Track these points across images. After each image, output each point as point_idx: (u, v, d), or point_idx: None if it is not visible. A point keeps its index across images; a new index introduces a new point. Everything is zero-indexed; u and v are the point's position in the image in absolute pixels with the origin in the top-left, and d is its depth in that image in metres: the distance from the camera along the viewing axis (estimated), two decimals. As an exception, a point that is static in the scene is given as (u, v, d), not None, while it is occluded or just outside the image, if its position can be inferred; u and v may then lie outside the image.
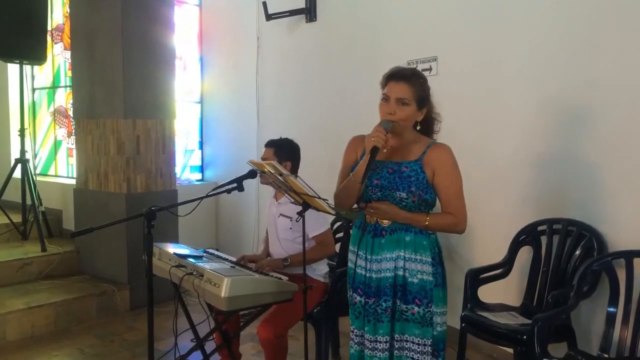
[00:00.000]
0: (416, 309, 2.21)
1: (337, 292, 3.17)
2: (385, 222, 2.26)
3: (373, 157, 2.16)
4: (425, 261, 2.23)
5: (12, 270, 4.57)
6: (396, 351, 2.25)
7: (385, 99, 2.24)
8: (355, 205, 2.35)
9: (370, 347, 2.28)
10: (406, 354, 2.23)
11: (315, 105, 4.81)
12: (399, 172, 2.24)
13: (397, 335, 2.24)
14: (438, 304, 2.23)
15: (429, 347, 2.21)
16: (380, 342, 2.25)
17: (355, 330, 2.35)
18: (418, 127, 2.31)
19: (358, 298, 2.33)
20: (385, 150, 2.23)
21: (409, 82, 2.22)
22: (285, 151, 3.14)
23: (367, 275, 2.29)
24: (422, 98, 2.25)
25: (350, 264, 2.37)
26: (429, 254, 2.23)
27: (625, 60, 3.02)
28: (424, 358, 2.21)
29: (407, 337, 2.23)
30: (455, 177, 2.26)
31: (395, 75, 2.24)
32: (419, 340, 2.22)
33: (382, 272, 2.25)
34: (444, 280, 2.29)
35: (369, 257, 2.28)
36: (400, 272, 2.22)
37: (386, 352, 2.25)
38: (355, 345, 2.35)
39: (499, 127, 3.61)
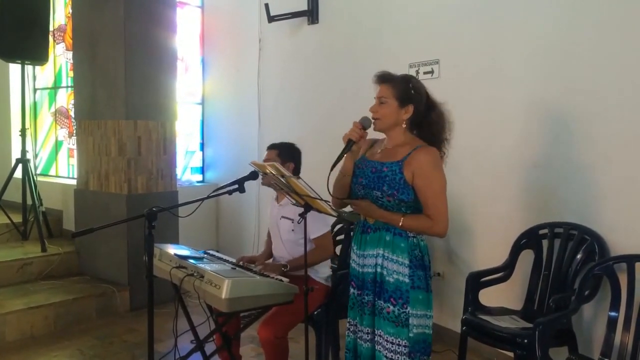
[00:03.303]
0: (391, 307, 2.27)
1: (338, 295, 3.16)
2: (371, 220, 2.35)
3: (346, 148, 2.32)
4: (401, 262, 2.27)
5: (12, 271, 4.57)
6: (375, 345, 2.33)
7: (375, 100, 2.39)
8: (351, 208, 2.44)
9: (359, 336, 2.41)
10: (380, 349, 2.31)
11: (317, 108, 4.81)
12: (379, 172, 2.32)
13: (375, 330, 2.33)
14: (416, 306, 2.26)
15: (404, 348, 2.25)
16: (364, 333, 2.37)
17: (350, 320, 2.47)
18: (404, 125, 2.34)
19: (352, 290, 2.47)
20: (367, 146, 2.45)
21: (389, 82, 2.35)
22: (288, 152, 3.18)
23: (357, 268, 2.43)
24: (405, 97, 2.33)
25: (350, 259, 2.52)
26: (406, 256, 2.28)
27: (626, 64, 3.01)
28: (398, 357, 2.26)
29: (382, 334, 2.30)
30: (434, 180, 2.28)
31: (380, 78, 2.39)
32: (392, 339, 2.27)
33: (366, 267, 2.37)
34: (427, 284, 2.31)
35: (357, 251, 2.42)
36: (379, 270, 2.31)
37: (368, 343, 2.36)
38: (351, 334, 2.47)
39: (500, 130, 3.61)
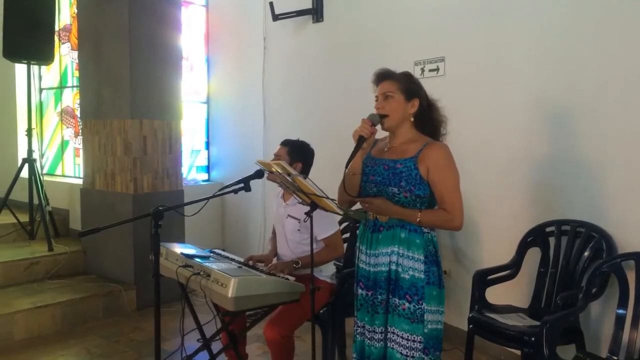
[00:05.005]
0: (407, 304, 2.27)
1: (343, 293, 3.16)
2: (383, 219, 2.33)
3: (358, 145, 2.30)
4: (417, 259, 2.28)
5: (19, 270, 4.59)
6: (388, 342, 2.32)
7: (376, 99, 2.38)
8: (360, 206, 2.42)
9: (369, 337, 2.39)
10: (393, 346, 2.29)
11: (322, 106, 4.81)
12: (393, 169, 2.32)
13: (388, 328, 2.32)
14: (430, 302, 2.27)
15: (419, 344, 2.25)
16: (376, 333, 2.36)
17: (358, 322, 2.46)
18: (411, 119, 2.35)
19: (360, 291, 2.44)
20: (381, 141, 2.43)
21: (392, 78, 2.37)
22: (298, 152, 3.15)
23: (367, 268, 2.40)
24: (409, 90, 2.34)
25: (356, 259, 2.49)
26: (421, 252, 2.28)
27: (633, 60, 2.99)
28: (413, 354, 2.26)
29: (396, 331, 2.29)
30: (449, 174, 2.29)
31: (380, 76, 2.40)
32: (407, 336, 2.26)
33: (378, 266, 2.35)
34: (440, 279, 2.32)
35: (368, 251, 2.39)
36: (394, 267, 2.30)
37: (381, 342, 2.34)
38: (358, 336, 2.46)
39: (506, 127, 3.59)
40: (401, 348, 2.27)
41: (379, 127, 2.35)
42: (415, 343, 2.25)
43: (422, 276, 2.26)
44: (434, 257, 2.31)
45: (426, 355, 2.26)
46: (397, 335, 2.28)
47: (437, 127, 2.41)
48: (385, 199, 2.30)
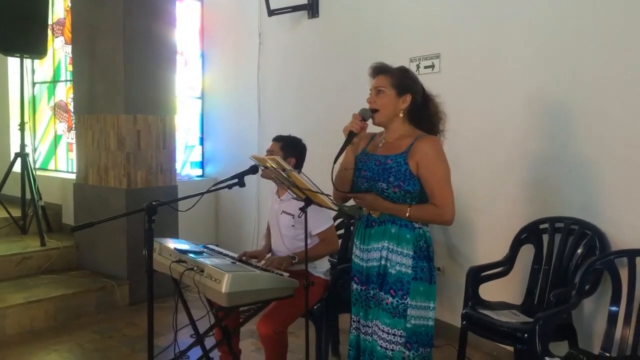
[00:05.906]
0: (390, 299, 2.28)
1: (337, 289, 3.16)
2: (375, 214, 2.34)
3: (348, 140, 2.31)
4: (406, 254, 2.28)
5: (12, 265, 4.57)
6: (373, 336, 2.33)
7: (371, 92, 2.39)
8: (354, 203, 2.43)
9: (363, 331, 2.41)
10: (376, 339, 2.31)
11: (317, 102, 4.80)
12: (383, 164, 2.32)
13: (374, 321, 2.33)
14: (416, 297, 2.27)
15: (400, 338, 2.26)
16: (369, 327, 2.37)
17: (353, 317, 2.47)
18: (401, 114, 2.34)
19: (355, 285, 2.45)
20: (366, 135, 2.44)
21: (385, 72, 2.36)
22: (291, 147, 3.16)
23: (361, 263, 2.41)
24: (402, 85, 2.33)
25: (352, 254, 2.50)
26: (411, 247, 2.28)
27: (631, 58, 3.00)
28: (393, 347, 2.26)
29: (378, 324, 2.30)
30: (439, 168, 2.28)
31: (375, 69, 2.39)
32: (388, 330, 2.27)
33: (370, 261, 2.36)
34: (430, 275, 2.31)
35: (361, 246, 2.40)
36: (383, 262, 2.31)
37: (375, 336, 2.35)
38: (354, 331, 2.47)
39: (501, 125, 3.60)
40: (381, 341, 2.28)
41: (370, 122, 2.35)
42: (395, 337, 2.26)
43: (409, 271, 2.26)
44: (424, 253, 2.30)
45: (408, 350, 2.26)
46: (379, 329, 2.29)
47: (434, 124, 2.39)
48: (376, 195, 2.31)
